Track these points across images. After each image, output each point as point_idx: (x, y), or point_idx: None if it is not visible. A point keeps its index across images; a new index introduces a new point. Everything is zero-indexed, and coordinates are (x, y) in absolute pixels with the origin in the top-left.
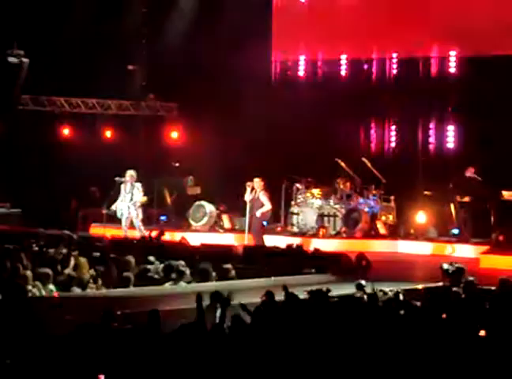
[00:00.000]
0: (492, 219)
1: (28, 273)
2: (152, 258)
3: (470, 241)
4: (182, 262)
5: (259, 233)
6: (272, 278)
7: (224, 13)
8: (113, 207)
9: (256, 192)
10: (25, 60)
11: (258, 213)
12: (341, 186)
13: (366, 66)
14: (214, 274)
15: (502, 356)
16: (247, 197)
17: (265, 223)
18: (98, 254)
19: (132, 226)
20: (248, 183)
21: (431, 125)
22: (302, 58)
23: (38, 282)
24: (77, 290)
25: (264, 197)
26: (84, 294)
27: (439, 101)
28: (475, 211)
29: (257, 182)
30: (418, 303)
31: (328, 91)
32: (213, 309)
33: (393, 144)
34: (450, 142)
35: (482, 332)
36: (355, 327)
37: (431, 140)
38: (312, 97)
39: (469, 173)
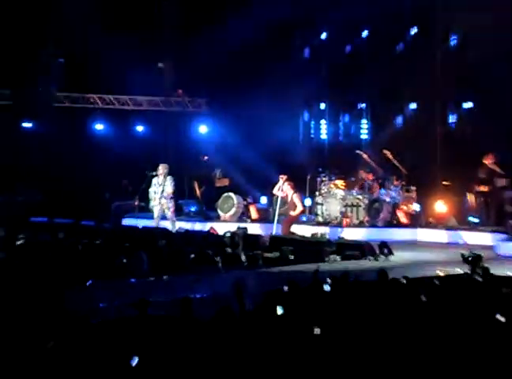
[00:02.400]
0: (509, 207)
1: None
2: (183, 248)
3: (488, 228)
4: (211, 251)
5: (288, 228)
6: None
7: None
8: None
9: (286, 190)
10: (60, 60)
11: (292, 213)
12: (363, 177)
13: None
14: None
15: None
16: (276, 190)
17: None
18: (130, 244)
19: (163, 218)
20: (281, 176)
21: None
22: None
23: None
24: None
25: (296, 199)
26: (119, 282)
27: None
28: (493, 200)
29: (286, 185)
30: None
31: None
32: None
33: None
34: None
35: (501, 318)
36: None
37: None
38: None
39: (489, 161)
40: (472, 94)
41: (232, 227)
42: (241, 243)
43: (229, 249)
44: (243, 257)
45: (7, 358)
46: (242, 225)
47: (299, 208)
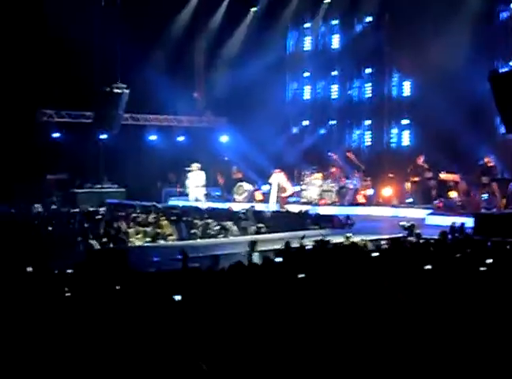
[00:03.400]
0: (434, 192)
1: (131, 231)
2: (210, 220)
3: (419, 206)
4: (230, 222)
5: (283, 203)
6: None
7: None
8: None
9: (280, 180)
10: (126, 91)
11: (284, 194)
12: (334, 171)
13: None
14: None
15: (443, 284)
16: (272, 179)
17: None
18: (174, 217)
19: (196, 200)
20: (275, 171)
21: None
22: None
23: (137, 236)
24: (161, 242)
25: (288, 185)
26: (165, 244)
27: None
28: (422, 187)
29: (281, 175)
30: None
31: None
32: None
33: (368, 143)
34: (406, 141)
35: (428, 266)
36: (341, 263)
37: (393, 140)
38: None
39: (420, 161)
40: (409, 114)
41: (244, 206)
42: (252, 217)
43: (243, 222)
44: (253, 228)
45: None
46: (253, 205)
47: (290, 191)
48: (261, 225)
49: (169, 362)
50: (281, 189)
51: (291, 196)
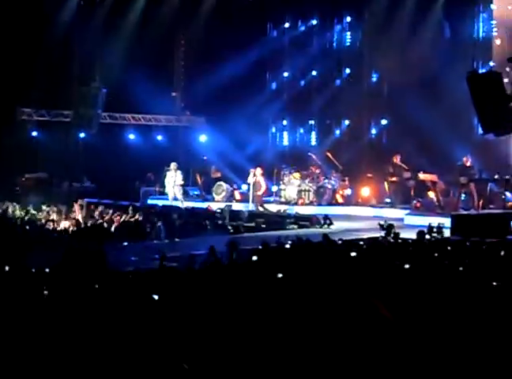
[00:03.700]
0: (412, 192)
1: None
2: (189, 220)
3: (397, 206)
4: (208, 222)
5: (258, 204)
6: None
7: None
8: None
9: (256, 176)
10: (104, 90)
11: (259, 192)
12: (312, 171)
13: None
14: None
15: (423, 283)
16: (250, 179)
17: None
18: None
19: (175, 199)
20: (251, 169)
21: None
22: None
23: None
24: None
25: (262, 181)
26: (144, 244)
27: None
28: (401, 187)
29: (258, 170)
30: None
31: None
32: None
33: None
34: (384, 141)
35: (406, 266)
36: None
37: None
38: (293, 111)
39: (397, 160)
40: (387, 114)
41: (222, 205)
42: (227, 216)
43: (219, 221)
44: (229, 227)
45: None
46: (229, 204)
47: (263, 188)
48: (239, 224)
49: (149, 362)
50: (256, 186)
51: (264, 194)
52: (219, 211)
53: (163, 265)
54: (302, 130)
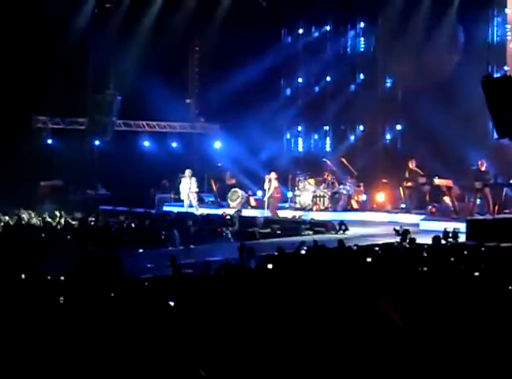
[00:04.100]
0: (427, 197)
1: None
2: (204, 227)
3: (413, 212)
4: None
5: (274, 209)
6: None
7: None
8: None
9: (271, 181)
10: (119, 97)
11: (274, 195)
12: (327, 177)
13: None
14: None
15: (441, 287)
16: (266, 185)
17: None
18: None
19: (190, 206)
20: (266, 175)
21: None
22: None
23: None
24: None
25: (277, 185)
26: (159, 250)
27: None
28: (416, 192)
29: (273, 175)
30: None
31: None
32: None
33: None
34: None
35: (424, 268)
36: (335, 269)
37: (387, 145)
38: (308, 117)
39: (412, 164)
40: (402, 119)
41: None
42: (237, 222)
43: (230, 228)
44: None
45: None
46: (239, 209)
47: (278, 192)
48: (255, 230)
49: (167, 368)
50: (272, 191)
51: (279, 199)
52: (228, 217)
53: (177, 272)
54: (316, 136)
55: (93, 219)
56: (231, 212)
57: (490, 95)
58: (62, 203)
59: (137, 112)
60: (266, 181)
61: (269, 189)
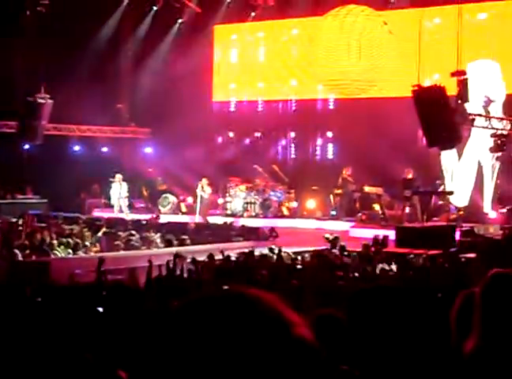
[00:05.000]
0: (357, 204)
1: (54, 242)
2: (133, 232)
3: (343, 219)
4: (155, 234)
5: (206, 215)
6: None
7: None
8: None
9: (203, 187)
10: (50, 101)
11: (205, 202)
12: (259, 183)
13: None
14: (176, 242)
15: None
16: (198, 191)
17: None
18: (98, 229)
19: (121, 211)
20: (198, 182)
21: (317, 144)
22: (232, 100)
23: (60, 248)
24: (83, 254)
25: (209, 191)
26: (88, 256)
27: (323, 128)
28: (346, 199)
29: (204, 181)
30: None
31: (249, 121)
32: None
33: (293, 156)
34: (330, 154)
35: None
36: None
37: (317, 153)
38: (238, 125)
39: (346, 172)
40: (332, 127)
41: (169, 217)
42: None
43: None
44: (176, 240)
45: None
46: (176, 216)
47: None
48: (184, 237)
49: (90, 374)
50: (204, 198)
51: (211, 205)
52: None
53: (101, 278)
54: (247, 142)
55: (22, 223)
56: (162, 218)
57: (419, 104)
58: None
59: (68, 116)
60: (198, 187)
61: (201, 195)
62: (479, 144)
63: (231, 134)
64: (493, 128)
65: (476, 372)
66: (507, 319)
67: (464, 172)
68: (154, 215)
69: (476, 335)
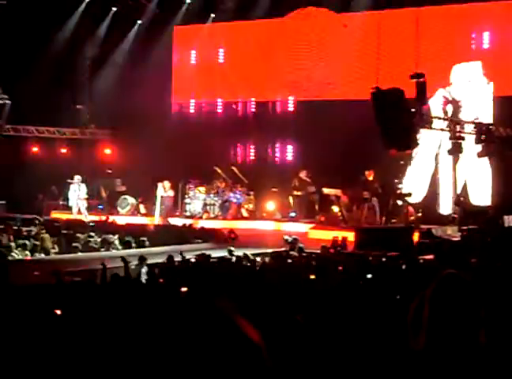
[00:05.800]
0: (316, 206)
1: (12, 244)
2: (92, 233)
3: (302, 221)
4: (114, 236)
5: (166, 216)
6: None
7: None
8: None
9: (165, 189)
10: (8, 101)
11: (166, 203)
12: (218, 185)
13: (234, 106)
14: (134, 244)
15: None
16: (159, 192)
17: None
18: (56, 231)
19: (79, 212)
20: (159, 183)
21: (277, 145)
22: (192, 101)
23: (17, 249)
24: (42, 255)
25: (171, 194)
26: (46, 258)
27: (282, 130)
28: (305, 201)
29: (166, 183)
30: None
31: (208, 122)
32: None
33: (252, 158)
34: (289, 156)
35: (312, 276)
36: (232, 277)
37: (277, 155)
38: (198, 126)
39: (303, 175)
40: (292, 129)
41: (128, 219)
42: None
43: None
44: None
45: None
46: (135, 218)
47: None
48: (143, 239)
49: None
50: (164, 199)
51: (172, 208)
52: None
53: (60, 280)
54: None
55: None
56: (120, 220)
57: (378, 106)
58: None
59: (27, 117)
60: (158, 188)
61: (160, 196)
62: (435, 143)
63: (190, 135)
64: (451, 130)
65: (424, 368)
66: (452, 317)
67: (418, 171)
68: (103, 218)
69: (423, 332)
